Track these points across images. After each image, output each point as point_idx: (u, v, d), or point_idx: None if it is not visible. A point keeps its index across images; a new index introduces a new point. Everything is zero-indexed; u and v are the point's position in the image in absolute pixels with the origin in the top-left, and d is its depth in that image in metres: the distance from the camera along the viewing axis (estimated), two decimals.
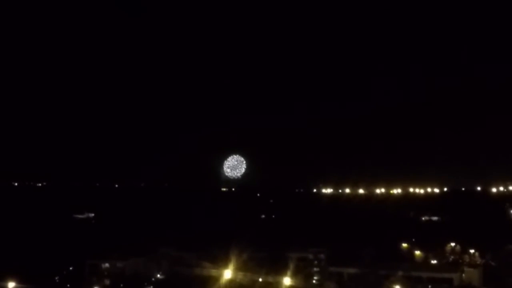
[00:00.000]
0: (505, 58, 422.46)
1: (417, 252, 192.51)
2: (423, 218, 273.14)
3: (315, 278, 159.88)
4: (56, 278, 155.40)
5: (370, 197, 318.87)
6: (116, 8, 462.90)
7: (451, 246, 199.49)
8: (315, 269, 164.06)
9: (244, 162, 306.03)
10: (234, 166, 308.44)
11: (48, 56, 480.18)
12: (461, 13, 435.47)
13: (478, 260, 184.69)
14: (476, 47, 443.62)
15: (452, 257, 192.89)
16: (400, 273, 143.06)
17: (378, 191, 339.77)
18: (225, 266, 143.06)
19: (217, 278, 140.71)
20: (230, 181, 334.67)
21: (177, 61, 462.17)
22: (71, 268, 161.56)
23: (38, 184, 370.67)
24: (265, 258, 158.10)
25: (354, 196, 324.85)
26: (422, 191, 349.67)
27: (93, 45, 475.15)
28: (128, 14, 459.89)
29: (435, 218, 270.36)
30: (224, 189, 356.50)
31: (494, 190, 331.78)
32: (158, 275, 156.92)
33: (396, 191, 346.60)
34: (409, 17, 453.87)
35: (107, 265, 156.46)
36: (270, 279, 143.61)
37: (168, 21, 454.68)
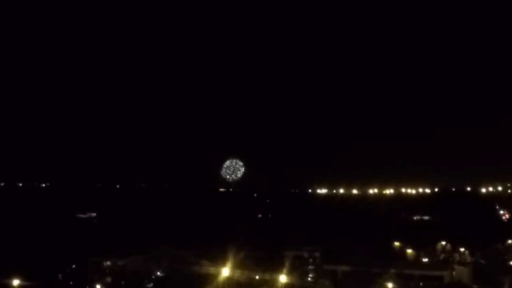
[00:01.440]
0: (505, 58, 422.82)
1: (409, 251, 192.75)
2: (414, 218, 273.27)
3: (310, 275, 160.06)
4: (59, 275, 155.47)
5: (363, 197, 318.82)
6: (123, 15, 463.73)
7: (442, 244, 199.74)
8: (310, 267, 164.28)
9: (242, 165, 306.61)
10: (232, 170, 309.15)
11: (51, 59, 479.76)
12: (461, 13, 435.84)
13: (468, 258, 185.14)
14: (471, 47, 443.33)
15: (442, 255, 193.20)
16: (392, 270, 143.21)
17: (371, 191, 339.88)
18: (223, 264, 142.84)
19: (215, 276, 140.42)
20: (228, 182, 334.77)
21: (177, 64, 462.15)
22: (73, 266, 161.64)
23: (42, 185, 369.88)
24: (262, 256, 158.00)
25: (348, 196, 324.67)
26: (413, 191, 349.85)
27: (97, 48, 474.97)
28: (135, 20, 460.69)
29: (426, 218, 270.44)
30: (222, 190, 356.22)
31: (483, 190, 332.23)
32: (158, 273, 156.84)
33: (389, 191, 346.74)
34: (408, 17, 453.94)
35: (108, 263, 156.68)
36: (266, 276, 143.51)
37: (171, 29, 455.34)
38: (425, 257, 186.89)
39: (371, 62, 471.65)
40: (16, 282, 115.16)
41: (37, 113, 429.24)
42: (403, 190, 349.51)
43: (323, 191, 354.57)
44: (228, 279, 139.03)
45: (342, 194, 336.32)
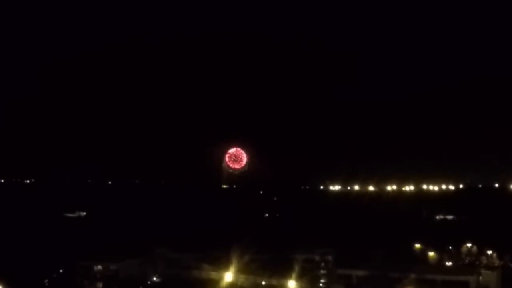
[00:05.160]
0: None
1: (431, 254, 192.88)
2: (437, 217, 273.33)
3: (322, 281, 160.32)
4: (46, 281, 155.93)
5: (380, 195, 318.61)
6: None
7: (467, 247, 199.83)
8: (322, 271, 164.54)
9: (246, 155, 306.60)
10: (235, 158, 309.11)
11: (37, 53, 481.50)
12: (463, 12, 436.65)
13: (496, 262, 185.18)
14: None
15: (468, 258, 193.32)
16: (412, 275, 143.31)
17: (389, 188, 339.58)
18: (226, 268, 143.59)
19: (217, 281, 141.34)
20: (231, 177, 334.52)
21: (172, 48, 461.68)
22: (61, 271, 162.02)
23: (25, 181, 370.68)
24: (269, 260, 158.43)
25: (364, 194, 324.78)
26: (436, 188, 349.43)
27: (86, 41, 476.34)
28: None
29: (450, 217, 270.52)
30: (224, 186, 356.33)
31: None
32: (154, 278, 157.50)
33: (409, 188, 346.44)
34: (409, 15, 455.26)
35: (99, 267, 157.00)
36: (274, 282, 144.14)
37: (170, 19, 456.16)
38: (448, 261, 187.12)
39: (381, 56, 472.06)
40: None
41: (19, 103, 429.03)
42: (425, 186, 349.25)
43: (336, 187, 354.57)
44: (232, 284, 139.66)
45: (357, 191, 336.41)
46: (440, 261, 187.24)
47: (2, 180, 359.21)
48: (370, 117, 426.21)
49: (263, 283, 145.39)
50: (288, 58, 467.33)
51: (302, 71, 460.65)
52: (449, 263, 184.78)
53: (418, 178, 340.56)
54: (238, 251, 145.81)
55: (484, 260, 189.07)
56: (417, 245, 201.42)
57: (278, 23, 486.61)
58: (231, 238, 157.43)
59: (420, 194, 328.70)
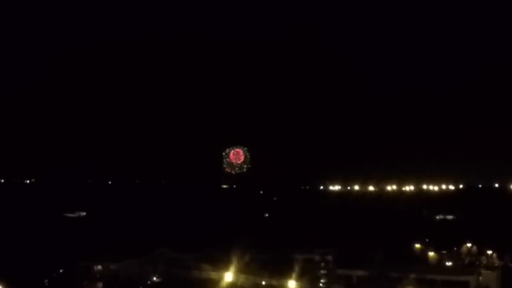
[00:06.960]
0: None
1: (431, 254, 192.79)
2: (437, 217, 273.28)
3: (322, 281, 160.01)
4: (45, 281, 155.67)
5: (380, 195, 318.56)
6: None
7: (467, 247, 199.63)
8: (322, 271, 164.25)
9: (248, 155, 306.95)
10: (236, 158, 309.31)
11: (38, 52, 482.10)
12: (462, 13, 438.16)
13: (496, 262, 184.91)
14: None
15: (468, 258, 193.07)
16: (412, 275, 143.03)
17: (389, 188, 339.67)
18: (226, 268, 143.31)
19: (217, 281, 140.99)
20: (231, 177, 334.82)
21: (170, 51, 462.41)
22: (61, 271, 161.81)
23: (25, 181, 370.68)
24: (269, 260, 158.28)
25: (364, 194, 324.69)
26: (436, 188, 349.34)
27: (86, 40, 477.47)
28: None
29: (450, 217, 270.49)
30: (225, 186, 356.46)
31: None
32: (154, 278, 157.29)
33: (409, 188, 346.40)
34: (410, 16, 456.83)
35: (99, 267, 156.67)
36: (274, 282, 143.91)
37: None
38: (448, 261, 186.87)
39: (382, 55, 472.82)
40: None
41: (20, 103, 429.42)
42: (425, 186, 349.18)
43: (336, 187, 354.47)
44: (232, 284, 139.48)
45: (357, 191, 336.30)
46: (440, 261, 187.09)
47: (2, 180, 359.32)
48: (371, 118, 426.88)
49: (263, 283, 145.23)
50: (288, 59, 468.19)
51: (302, 72, 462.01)
52: (449, 263, 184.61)
53: (418, 178, 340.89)
54: (238, 251, 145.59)
55: (484, 260, 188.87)
56: (417, 245, 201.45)
57: (280, 26, 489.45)
58: (231, 238, 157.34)
59: (420, 194, 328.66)
